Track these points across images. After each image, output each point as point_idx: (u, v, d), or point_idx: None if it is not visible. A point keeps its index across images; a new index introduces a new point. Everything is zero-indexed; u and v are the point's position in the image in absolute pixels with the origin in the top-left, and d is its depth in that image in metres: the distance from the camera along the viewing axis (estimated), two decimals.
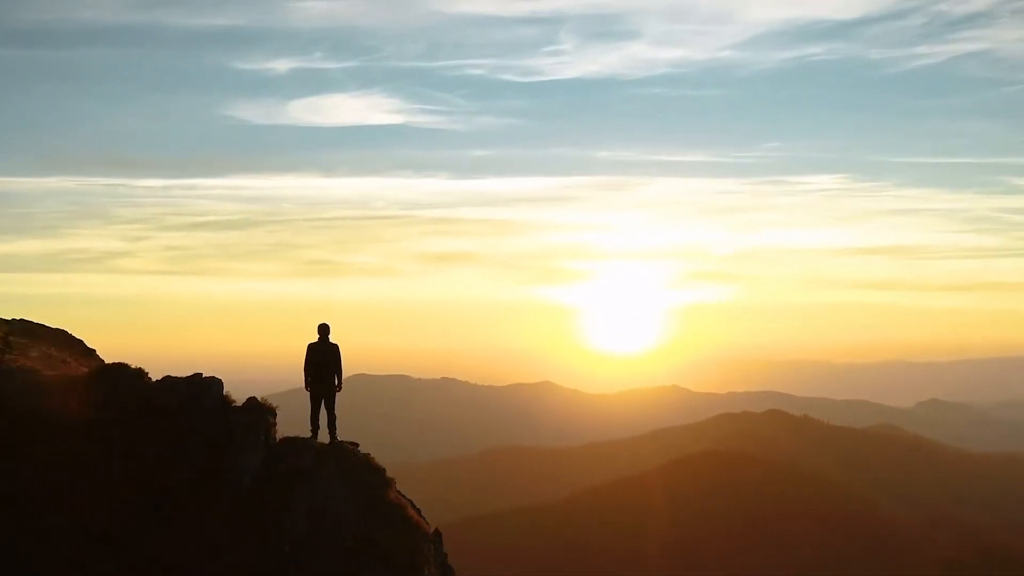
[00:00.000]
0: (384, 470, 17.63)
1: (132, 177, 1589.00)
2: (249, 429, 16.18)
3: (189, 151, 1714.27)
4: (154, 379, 17.05)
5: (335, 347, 18.19)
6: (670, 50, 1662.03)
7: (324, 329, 18.10)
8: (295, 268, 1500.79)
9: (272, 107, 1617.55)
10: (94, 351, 22.34)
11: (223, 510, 14.77)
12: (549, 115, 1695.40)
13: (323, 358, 18.00)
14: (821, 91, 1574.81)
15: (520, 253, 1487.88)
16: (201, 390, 16.50)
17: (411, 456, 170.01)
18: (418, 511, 17.65)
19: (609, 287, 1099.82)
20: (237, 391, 17.23)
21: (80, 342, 22.39)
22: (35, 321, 22.14)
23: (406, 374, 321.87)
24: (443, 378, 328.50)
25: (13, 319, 21.80)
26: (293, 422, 17.66)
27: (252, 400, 16.91)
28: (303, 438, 17.40)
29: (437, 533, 17.77)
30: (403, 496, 17.72)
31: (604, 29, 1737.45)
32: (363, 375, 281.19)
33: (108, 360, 21.37)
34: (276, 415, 17.00)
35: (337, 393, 18.20)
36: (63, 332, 22.16)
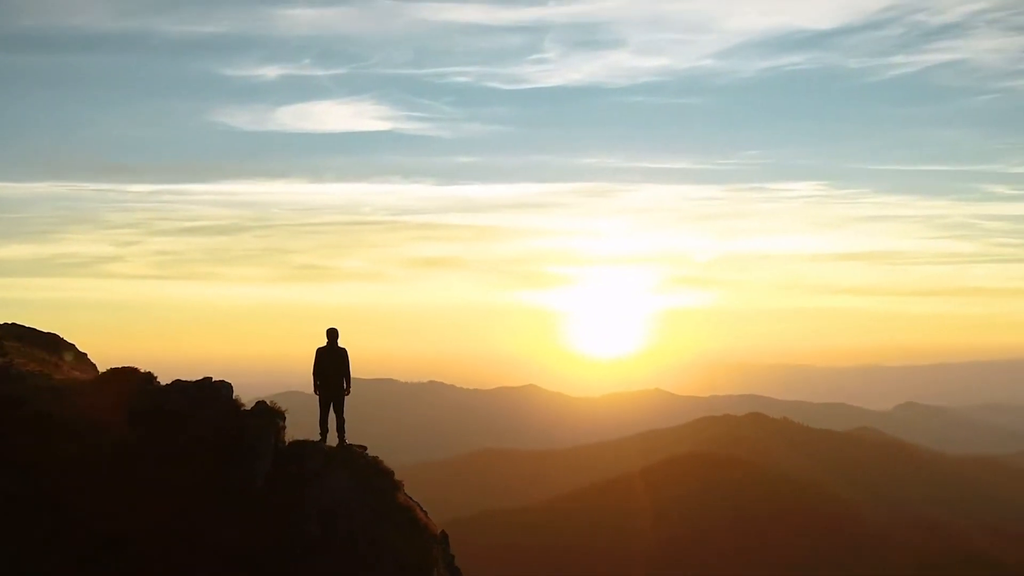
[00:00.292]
0: (393, 473, 17.67)
1: (123, 182, 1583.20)
2: (259, 432, 16.14)
3: (179, 157, 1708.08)
4: (161, 383, 16.93)
5: (343, 351, 18.14)
6: (652, 59, 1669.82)
7: (333, 333, 18.06)
8: (284, 273, 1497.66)
9: (261, 113, 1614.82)
10: (86, 355, 22.27)
11: (235, 513, 14.76)
12: (534, 122, 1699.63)
13: (332, 362, 17.99)
14: (800, 100, 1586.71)
15: (505, 258, 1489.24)
16: (211, 394, 16.44)
17: (397, 458, 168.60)
18: (425, 513, 17.67)
19: (593, 292, 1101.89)
20: None
21: (72, 346, 22.28)
22: (27, 325, 22.01)
23: (393, 377, 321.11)
24: (429, 381, 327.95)
25: (4, 323, 21.69)
26: (288, 425, 17.64)
27: (261, 404, 16.87)
28: (312, 441, 17.35)
29: (444, 535, 17.81)
30: (410, 498, 17.77)
31: (588, 38, 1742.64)
32: (352, 379, 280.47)
33: (100, 364, 21.39)
34: (285, 418, 16.95)
35: (346, 397, 18.20)
36: (55, 336, 22.03)
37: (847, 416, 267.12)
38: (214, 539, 14.14)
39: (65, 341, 22.19)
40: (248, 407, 16.73)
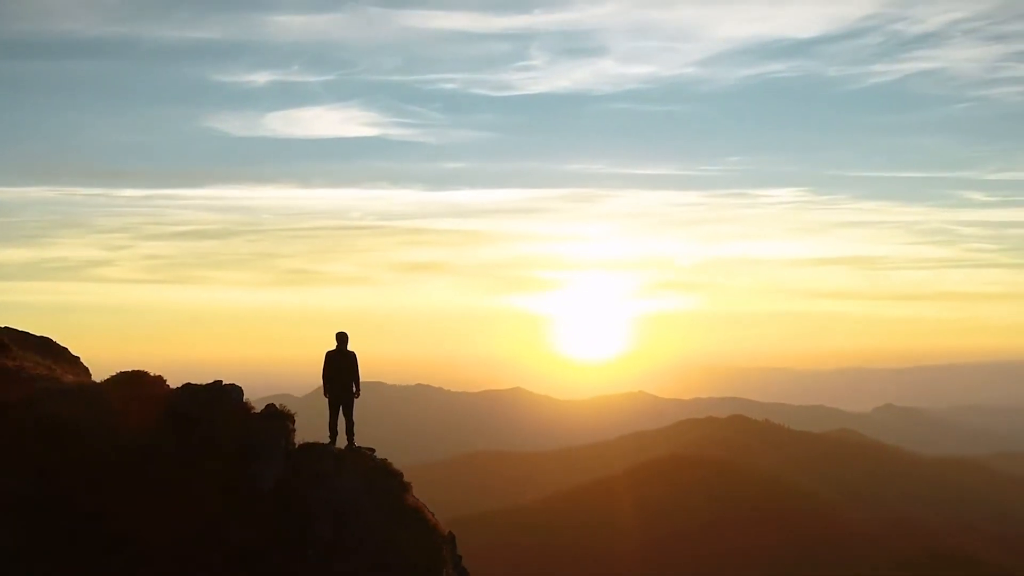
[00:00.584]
0: (402, 474, 17.59)
1: (113, 187, 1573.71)
2: (270, 435, 16.11)
3: (169, 162, 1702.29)
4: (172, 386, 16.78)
5: (352, 355, 18.10)
6: (637, 66, 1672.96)
7: (342, 337, 18.01)
8: (273, 277, 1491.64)
9: (251, 119, 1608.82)
10: (78, 359, 22.27)
11: (247, 514, 14.72)
12: (520, 129, 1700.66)
13: (341, 366, 17.93)
14: (782, 107, 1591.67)
15: (492, 263, 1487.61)
16: (221, 397, 16.35)
17: None
18: (432, 514, 17.65)
19: (579, 296, 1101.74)
20: None
21: (65, 350, 22.15)
22: (19, 329, 21.94)
23: (381, 380, 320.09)
24: (417, 384, 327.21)
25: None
26: None
27: (271, 407, 16.83)
28: (322, 444, 17.33)
29: (451, 535, 17.72)
30: (418, 500, 17.70)
31: (573, 45, 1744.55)
32: None
33: (91, 368, 21.42)
34: (295, 421, 16.90)
35: (356, 399, 18.19)
36: (48, 340, 21.94)
37: (827, 418, 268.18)
38: (227, 540, 14.12)
39: (58, 345, 22.14)
40: (257, 410, 16.71)
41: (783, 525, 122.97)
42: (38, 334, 21.75)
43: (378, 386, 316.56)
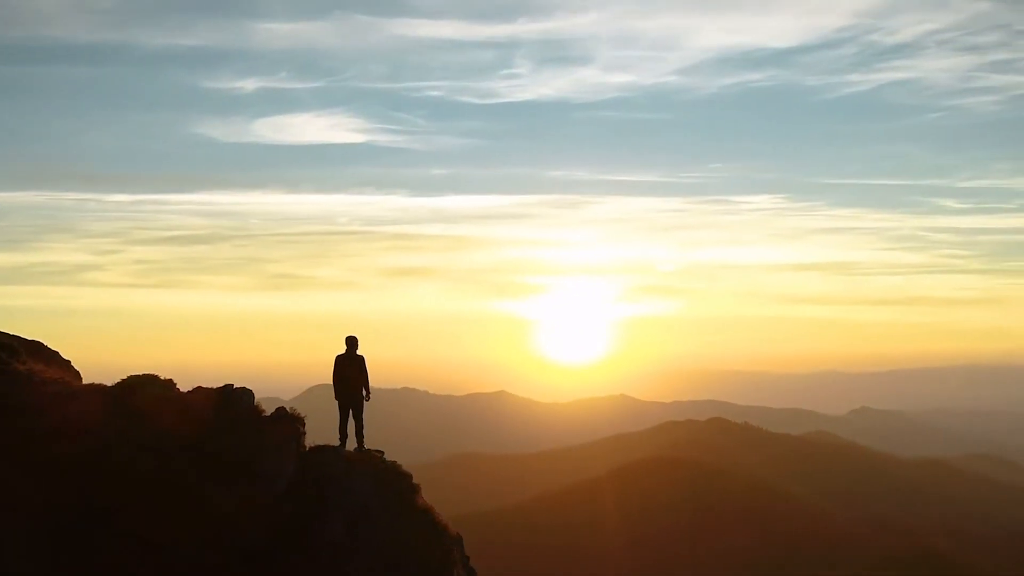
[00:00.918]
0: (411, 476, 17.59)
1: (103, 192, 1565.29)
2: (281, 438, 16.09)
3: (159, 167, 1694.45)
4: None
5: (361, 358, 18.08)
6: (619, 75, 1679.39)
7: (351, 341, 17.99)
8: (261, 281, 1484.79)
9: (239, 125, 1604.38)
10: (69, 362, 22.26)
11: (260, 516, 14.71)
12: (505, 136, 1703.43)
13: (350, 369, 17.92)
14: (761, 115, 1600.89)
15: (477, 268, 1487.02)
16: (232, 400, 16.30)
17: None
18: (440, 515, 17.64)
19: (562, 300, 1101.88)
20: None
21: (56, 353, 22.10)
22: (10, 333, 21.83)
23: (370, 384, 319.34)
24: (404, 388, 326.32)
25: None
26: None
27: (281, 410, 16.79)
28: (332, 446, 17.33)
29: (459, 536, 17.75)
30: (426, 501, 17.74)
31: (557, 54, 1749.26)
32: (326, 385, 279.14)
33: (81, 371, 21.39)
34: (305, 424, 16.85)
35: (365, 402, 18.23)
36: (39, 344, 21.87)
37: (804, 420, 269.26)
38: (240, 541, 14.13)
39: (49, 348, 22.07)
40: (268, 413, 16.64)
41: (762, 525, 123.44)
42: (29, 338, 21.66)
43: None
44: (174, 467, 14.46)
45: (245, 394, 16.42)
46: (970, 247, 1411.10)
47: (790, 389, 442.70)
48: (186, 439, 14.94)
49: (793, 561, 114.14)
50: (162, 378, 16.07)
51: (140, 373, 16.09)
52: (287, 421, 16.52)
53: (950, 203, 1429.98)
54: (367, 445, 18.20)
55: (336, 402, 18.26)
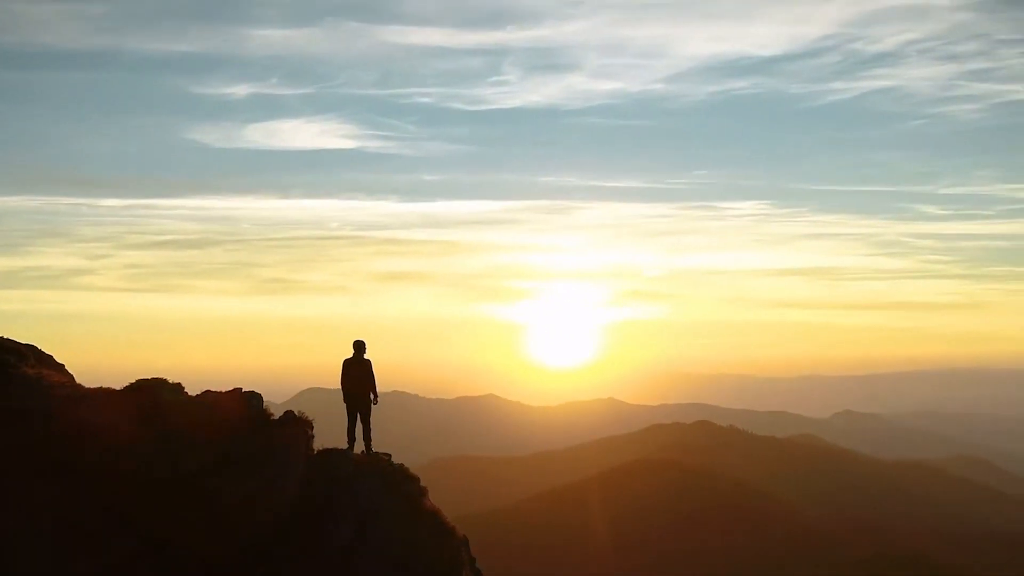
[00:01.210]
0: (419, 479, 17.59)
1: (95, 197, 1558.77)
2: (291, 441, 16.07)
3: (151, 172, 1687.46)
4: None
5: (368, 363, 18.07)
6: (606, 82, 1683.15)
7: (359, 346, 17.98)
8: (252, 286, 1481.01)
9: (230, 131, 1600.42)
10: (63, 366, 22.31)
11: (270, 519, 14.73)
12: (494, 142, 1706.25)
13: (358, 373, 17.90)
14: (746, 122, 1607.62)
15: (467, 272, 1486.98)
16: (242, 403, 16.22)
17: None
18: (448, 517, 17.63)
19: (550, 305, 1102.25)
20: None
21: (50, 357, 22.18)
22: (3, 337, 21.79)
23: None
24: (393, 391, 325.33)
25: None
26: None
27: (289, 413, 16.75)
28: (341, 449, 17.33)
29: (465, 538, 17.79)
30: (434, 503, 17.74)
31: (545, 61, 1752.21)
32: (317, 388, 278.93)
33: (76, 375, 21.43)
34: (313, 427, 16.82)
35: (373, 406, 18.25)
36: (33, 348, 21.89)
37: (788, 423, 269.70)
38: (251, 543, 14.13)
39: (44, 352, 22.09)
40: (276, 417, 16.59)
41: (747, 526, 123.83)
42: (23, 342, 21.62)
43: None
44: (186, 470, 14.47)
45: (254, 397, 16.42)
46: (951, 253, 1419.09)
47: (775, 392, 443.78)
48: (197, 442, 14.93)
49: (777, 561, 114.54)
50: (171, 381, 16.07)
51: (148, 377, 16.11)
52: (296, 424, 16.50)
53: (932, 209, 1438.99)
54: (374, 448, 18.17)
55: (344, 406, 18.24)
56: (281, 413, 16.88)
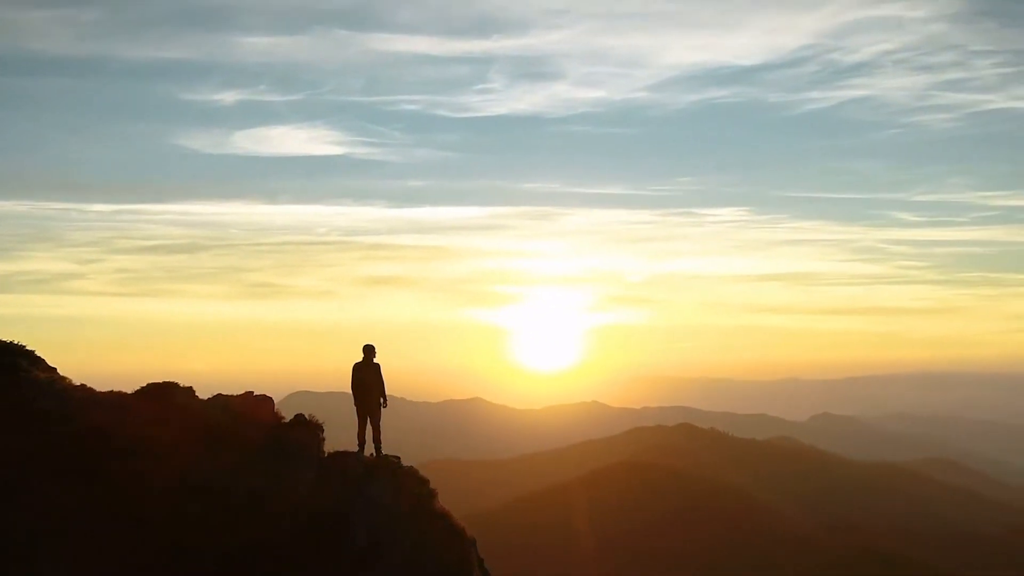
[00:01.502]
0: (428, 481, 17.62)
1: (85, 202, 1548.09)
2: (302, 444, 16.07)
3: (140, 178, 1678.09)
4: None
5: (377, 366, 18.07)
6: (590, 91, 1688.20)
7: (369, 350, 17.96)
8: (240, 290, 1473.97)
9: (219, 137, 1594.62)
10: (55, 370, 22.42)
11: (283, 521, 14.74)
12: (480, 149, 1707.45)
13: (367, 377, 17.90)
14: (726, 131, 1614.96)
15: (453, 277, 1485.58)
16: (254, 407, 16.16)
17: None
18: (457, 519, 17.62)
19: (535, 309, 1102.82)
20: None
21: (42, 360, 22.34)
22: (14, 342, 21.85)
23: (345, 391, 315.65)
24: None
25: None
26: None
27: (300, 416, 16.72)
28: (351, 452, 17.32)
29: (474, 539, 17.78)
30: (443, 505, 17.74)
31: (530, 70, 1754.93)
32: (305, 392, 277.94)
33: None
34: (323, 430, 16.80)
35: (383, 409, 18.27)
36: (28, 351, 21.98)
37: (768, 426, 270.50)
38: (265, 546, 14.17)
39: (37, 356, 22.20)
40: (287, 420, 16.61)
41: (728, 527, 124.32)
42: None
43: (342, 395, 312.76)
44: (199, 472, 14.52)
45: (266, 401, 16.34)
46: (925, 259, 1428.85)
47: (754, 395, 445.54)
48: (210, 445, 14.97)
49: (756, 560, 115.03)
50: (182, 385, 16.08)
51: (160, 380, 16.14)
52: (307, 427, 16.49)
53: (906, 216, 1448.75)
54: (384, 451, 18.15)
55: (355, 409, 18.22)
56: (308, 416, 16.88)
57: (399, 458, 18.01)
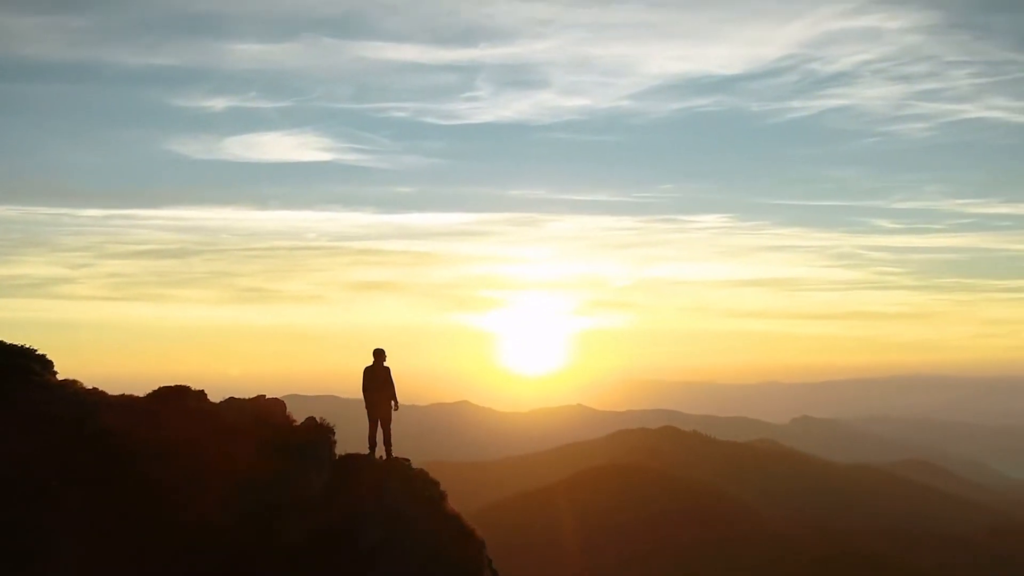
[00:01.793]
0: (439, 483, 17.69)
1: (76, 207, 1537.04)
2: (314, 446, 16.14)
3: (130, 183, 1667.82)
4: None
5: (387, 370, 18.14)
6: (575, 99, 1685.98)
7: (379, 354, 18.01)
8: (230, 295, 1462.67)
9: (210, 143, 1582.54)
10: (55, 373, 22.61)
11: (297, 523, 14.83)
12: (467, 156, 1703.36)
13: (378, 380, 17.96)
14: (709, 139, 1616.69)
15: (440, 282, 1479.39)
16: (266, 410, 16.22)
17: None
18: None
19: (521, 314, 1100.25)
20: None
21: (53, 364, 22.43)
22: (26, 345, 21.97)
23: (335, 394, 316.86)
24: None
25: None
26: None
27: (311, 419, 16.79)
28: (363, 454, 17.40)
29: (483, 540, 17.85)
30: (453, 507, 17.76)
31: (517, 78, 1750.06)
32: (295, 395, 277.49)
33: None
34: (335, 433, 16.88)
35: (394, 412, 18.40)
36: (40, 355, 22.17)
37: (749, 428, 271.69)
38: (280, 549, 14.29)
39: (47, 359, 22.32)
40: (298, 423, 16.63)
41: (710, 527, 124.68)
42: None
43: (332, 399, 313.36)
44: (215, 474, 14.57)
45: (277, 404, 16.39)
46: (903, 265, 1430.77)
47: (736, 399, 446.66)
48: (225, 447, 15.01)
49: (737, 560, 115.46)
50: (194, 389, 16.16)
51: (171, 384, 16.21)
52: (318, 430, 16.56)
53: (885, 223, 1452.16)
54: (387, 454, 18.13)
55: (365, 412, 18.34)
56: (319, 419, 16.99)
57: (409, 460, 18.09)
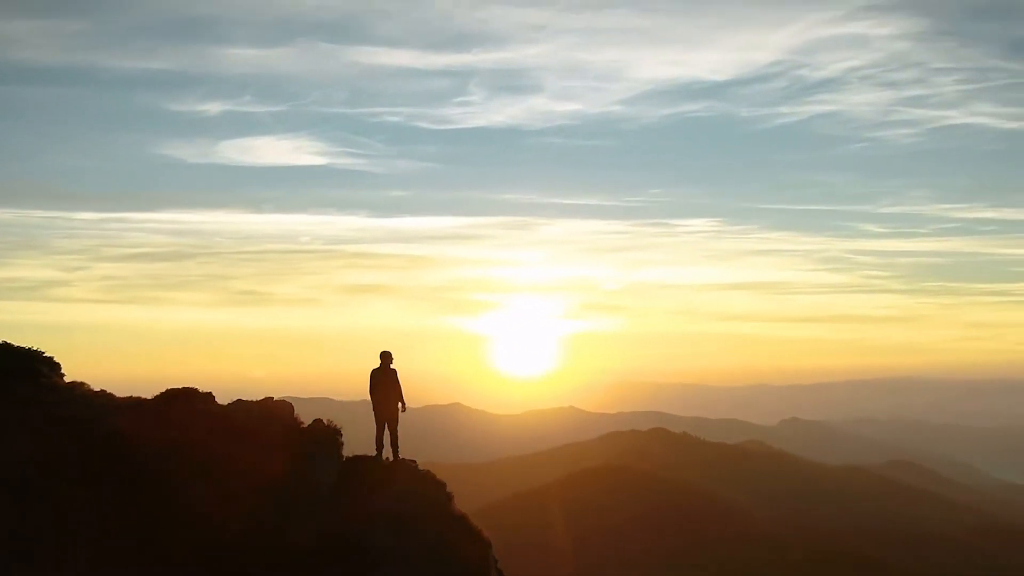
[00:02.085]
0: (446, 484, 17.70)
1: (70, 210, 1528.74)
2: (322, 448, 16.18)
3: (125, 186, 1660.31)
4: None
5: (394, 372, 18.18)
6: (567, 104, 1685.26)
7: (386, 356, 18.04)
8: (225, 298, 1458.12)
9: (204, 147, 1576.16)
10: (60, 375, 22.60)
11: (306, 525, 14.83)
12: (460, 160, 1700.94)
13: (385, 383, 17.94)
14: (698, 144, 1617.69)
15: (433, 285, 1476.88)
16: (273, 412, 16.23)
17: None
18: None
19: (513, 317, 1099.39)
20: None
21: (60, 366, 22.44)
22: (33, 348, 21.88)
23: (329, 397, 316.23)
24: (362, 400, 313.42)
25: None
26: None
27: (318, 421, 16.80)
28: (370, 456, 17.42)
29: (489, 541, 17.84)
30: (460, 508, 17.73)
31: (509, 83, 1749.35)
32: (288, 398, 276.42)
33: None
34: (342, 435, 16.91)
35: (401, 414, 18.37)
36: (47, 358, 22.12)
37: (738, 430, 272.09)
38: (289, 550, 14.26)
39: (54, 362, 22.35)
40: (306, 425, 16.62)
41: (700, 528, 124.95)
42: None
43: (325, 401, 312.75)
44: (225, 475, 14.60)
45: (285, 406, 16.46)
46: (890, 268, 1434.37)
47: (725, 401, 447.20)
48: (235, 448, 15.06)
49: (727, 560, 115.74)
50: (202, 391, 16.14)
51: (178, 386, 16.18)
52: (326, 431, 16.61)
53: (872, 227, 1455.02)
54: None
55: (372, 414, 18.35)
56: (327, 421, 17.01)
57: (415, 462, 18.08)
